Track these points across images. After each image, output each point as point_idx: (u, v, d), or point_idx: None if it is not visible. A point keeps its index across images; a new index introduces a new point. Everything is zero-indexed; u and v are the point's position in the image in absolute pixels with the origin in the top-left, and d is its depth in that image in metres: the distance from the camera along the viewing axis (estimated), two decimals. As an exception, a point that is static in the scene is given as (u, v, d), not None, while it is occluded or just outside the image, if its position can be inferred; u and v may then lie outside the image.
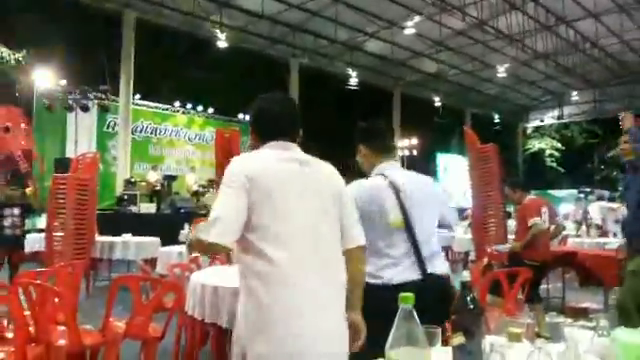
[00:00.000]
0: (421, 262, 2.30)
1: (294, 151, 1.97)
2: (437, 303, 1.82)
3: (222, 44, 15.15)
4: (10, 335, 3.26)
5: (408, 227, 2.32)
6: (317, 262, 1.80)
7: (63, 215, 7.18)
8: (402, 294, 1.16)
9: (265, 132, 1.99)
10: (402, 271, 2.29)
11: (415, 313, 1.15)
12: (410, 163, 19.42)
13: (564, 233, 10.08)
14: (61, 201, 7.23)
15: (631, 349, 1.47)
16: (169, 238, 8.44)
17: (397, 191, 2.35)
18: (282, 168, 1.87)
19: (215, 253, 1.82)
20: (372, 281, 2.18)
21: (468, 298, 1.43)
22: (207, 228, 1.75)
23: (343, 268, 1.89)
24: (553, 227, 5.64)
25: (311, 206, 1.86)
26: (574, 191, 17.90)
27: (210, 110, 18.35)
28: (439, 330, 1.48)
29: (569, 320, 1.83)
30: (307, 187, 1.88)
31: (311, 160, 1.97)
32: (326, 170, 2.00)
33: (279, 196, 1.81)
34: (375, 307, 1.81)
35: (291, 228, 1.80)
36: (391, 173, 2.43)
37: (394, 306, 1.18)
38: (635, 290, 3.55)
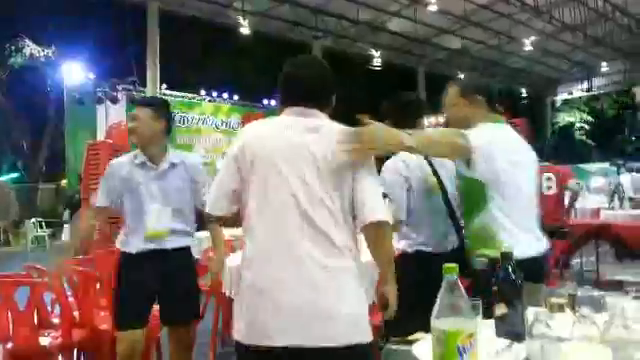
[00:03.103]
0: None
1: (314, 118, 1.78)
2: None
3: (245, 30, 15.14)
4: (56, 320, 3.38)
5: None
6: (298, 241, 1.65)
7: (95, 185, 7.09)
8: (446, 265, 1.17)
9: (285, 97, 1.84)
10: None
11: (460, 284, 1.16)
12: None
13: (596, 206, 9.90)
14: (94, 167, 7.15)
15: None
16: (201, 224, 8.54)
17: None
18: (279, 136, 1.72)
19: (221, 224, 1.89)
20: None
21: (510, 269, 1.44)
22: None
23: (345, 245, 1.71)
24: (568, 193, 5.52)
25: (300, 178, 1.67)
26: (606, 164, 17.52)
27: (235, 97, 18.46)
28: (479, 302, 1.49)
29: (604, 293, 1.81)
30: (300, 157, 1.69)
31: (325, 127, 1.77)
32: (327, 138, 1.75)
33: (263, 168, 1.69)
34: None
35: (270, 204, 1.67)
36: None
37: None
38: None
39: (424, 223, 2.52)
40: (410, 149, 1.86)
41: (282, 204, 1.67)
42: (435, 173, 2.54)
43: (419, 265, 2.44)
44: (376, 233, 1.76)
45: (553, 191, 5.31)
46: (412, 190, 2.51)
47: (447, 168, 2.52)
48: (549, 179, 5.31)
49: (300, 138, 1.71)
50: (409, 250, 2.54)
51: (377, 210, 1.75)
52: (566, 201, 5.57)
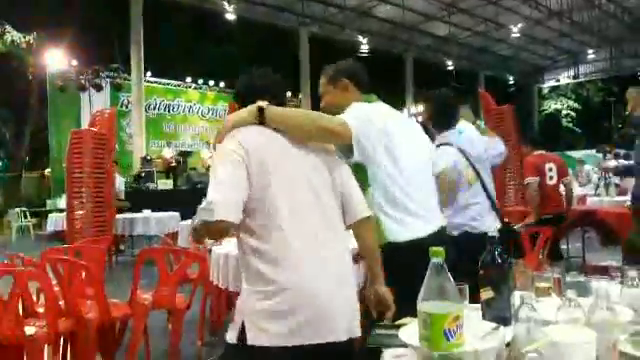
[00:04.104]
0: None
1: None
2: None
3: (230, 16, 14.99)
4: (41, 310, 3.35)
5: (482, 183, 2.97)
6: (325, 236, 1.70)
7: (80, 174, 6.97)
8: (432, 248, 1.17)
9: (247, 101, 1.83)
10: None
11: (446, 267, 1.16)
12: (424, 129, 19.30)
13: (583, 192, 10.02)
14: (78, 156, 7.03)
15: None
16: (188, 213, 8.55)
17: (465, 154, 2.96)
18: (276, 136, 1.74)
19: (221, 236, 1.71)
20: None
21: (496, 253, 1.44)
22: (208, 207, 1.57)
23: (348, 240, 1.81)
24: (563, 186, 5.59)
25: (310, 176, 1.73)
26: (592, 151, 17.69)
27: (222, 84, 18.33)
28: (466, 286, 1.49)
29: (589, 278, 1.82)
30: (300, 156, 1.75)
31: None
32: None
33: (276, 168, 1.67)
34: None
35: (291, 201, 1.67)
36: (453, 140, 2.97)
37: None
38: None
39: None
40: (262, 112, 1.72)
41: (306, 204, 1.69)
42: (471, 165, 2.94)
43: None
44: (366, 227, 1.85)
45: (554, 181, 5.36)
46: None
47: (481, 160, 3.00)
48: (550, 169, 5.33)
49: (289, 141, 1.75)
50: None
51: (365, 206, 1.85)
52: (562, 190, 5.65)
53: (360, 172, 2.07)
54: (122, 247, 8.81)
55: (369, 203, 2.03)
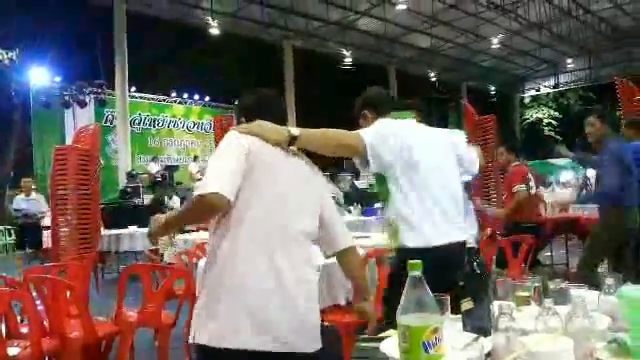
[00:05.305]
0: None
1: None
2: None
3: (214, 31, 15.04)
4: (25, 330, 3.30)
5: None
6: (288, 247, 1.74)
7: (64, 191, 6.93)
8: (411, 261, 1.18)
9: (255, 116, 1.90)
10: None
11: (424, 280, 1.17)
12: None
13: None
14: (62, 173, 6.96)
15: (638, 305, 1.48)
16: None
17: None
18: (275, 150, 1.81)
19: (210, 214, 1.70)
20: None
21: (475, 263, 1.46)
22: (205, 182, 1.63)
23: (313, 254, 1.86)
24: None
25: (294, 191, 1.80)
26: (573, 158, 17.85)
27: (207, 98, 18.31)
28: (447, 298, 1.51)
29: (574, 285, 1.84)
30: (296, 174, 1.83)
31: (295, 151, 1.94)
32: (308, 164, 1.94)
33: (264, 176, 1.73)
34: None
35: (261, 209, 1.71)
36: None
37: None
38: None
39: None
40: (294, 139, 1.83)
41: (277, 216, 1.73)
42: None
43: None
44: (349, 256, 1.96)
45: (534, 190, 5.46)
46: None
47: None
48: (530, 179, 5.41)
49: (286, 156, 1.83)
50: None
51: (347, 236, 1.97)
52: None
53: (379, 181, 2.21)
54: (114, 267, 8.66)
55: (390, 212, 2.19)
